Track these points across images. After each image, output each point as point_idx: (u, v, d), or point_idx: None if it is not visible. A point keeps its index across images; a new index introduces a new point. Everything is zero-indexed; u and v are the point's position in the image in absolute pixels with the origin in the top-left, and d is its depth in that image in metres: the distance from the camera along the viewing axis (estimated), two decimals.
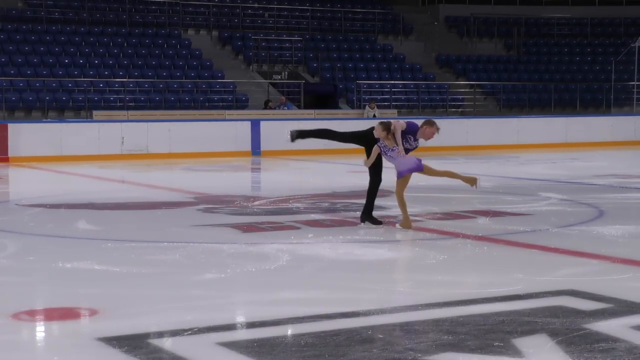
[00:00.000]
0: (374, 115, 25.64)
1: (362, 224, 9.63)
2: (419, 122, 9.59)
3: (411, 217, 9.47)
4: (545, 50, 35.72)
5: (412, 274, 7.09)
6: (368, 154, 9.54)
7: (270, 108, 26.69)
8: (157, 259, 7.82)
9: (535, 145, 25.87)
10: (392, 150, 9.31)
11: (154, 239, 9.00)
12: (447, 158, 21.57)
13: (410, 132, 9.40)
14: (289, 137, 9.97)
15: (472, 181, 9.45)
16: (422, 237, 9.05)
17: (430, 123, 9.48)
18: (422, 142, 9.70)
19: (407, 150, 9.44)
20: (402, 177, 9.36)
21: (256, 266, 7.40)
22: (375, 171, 9.59)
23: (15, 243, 8.83)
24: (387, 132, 9.31)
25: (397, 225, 9.43)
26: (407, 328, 5.30)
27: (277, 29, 32.18)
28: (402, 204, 9.34)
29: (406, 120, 9.66)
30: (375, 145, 9.44)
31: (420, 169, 9.35)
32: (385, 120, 9.70)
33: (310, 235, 9.12)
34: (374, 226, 9.50)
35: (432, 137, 9.41)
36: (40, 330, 5.55)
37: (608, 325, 5.28)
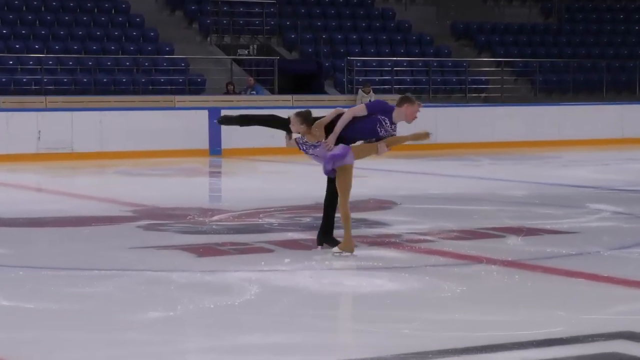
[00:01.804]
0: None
1: (319, 247, 9.57)
2: (411, 106, 9.35)
3: (420, 235, 9.41)
4: (595, 17, 35.86)
5: (420, 311, 7.08)
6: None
7: (234, 93, 26.66)
8: (83, 292, 7.78)
9: (581, 142, 25.94)
10: (316, 146, 9.24)
11: (79, 266, 8.95)
12: (467, 159, 21.59)
13: (386, 113, 9.30)
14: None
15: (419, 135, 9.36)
16: (434, 263, 9.05)
17: (409, 100, 9.35)
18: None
19: (380, 139, 9.32)
20: (334, 174, 9.29)
21: (215, 301, 7.37)
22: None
23: None
24: (307, 125, 9.24)
25: (335, 250, 9.28)
26: None
27: None
28: (347, 217, 9.23)
29: (373, 101, 9.54)
30: (291, 141, 9.51)
31: (351, 160, 9.28)
32: (302, 110, 9.51)
33: (286, 261, 9.10)
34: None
35: (415, 117, 9.28)
36: None
37: None
